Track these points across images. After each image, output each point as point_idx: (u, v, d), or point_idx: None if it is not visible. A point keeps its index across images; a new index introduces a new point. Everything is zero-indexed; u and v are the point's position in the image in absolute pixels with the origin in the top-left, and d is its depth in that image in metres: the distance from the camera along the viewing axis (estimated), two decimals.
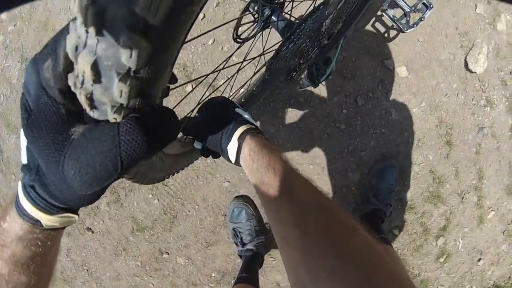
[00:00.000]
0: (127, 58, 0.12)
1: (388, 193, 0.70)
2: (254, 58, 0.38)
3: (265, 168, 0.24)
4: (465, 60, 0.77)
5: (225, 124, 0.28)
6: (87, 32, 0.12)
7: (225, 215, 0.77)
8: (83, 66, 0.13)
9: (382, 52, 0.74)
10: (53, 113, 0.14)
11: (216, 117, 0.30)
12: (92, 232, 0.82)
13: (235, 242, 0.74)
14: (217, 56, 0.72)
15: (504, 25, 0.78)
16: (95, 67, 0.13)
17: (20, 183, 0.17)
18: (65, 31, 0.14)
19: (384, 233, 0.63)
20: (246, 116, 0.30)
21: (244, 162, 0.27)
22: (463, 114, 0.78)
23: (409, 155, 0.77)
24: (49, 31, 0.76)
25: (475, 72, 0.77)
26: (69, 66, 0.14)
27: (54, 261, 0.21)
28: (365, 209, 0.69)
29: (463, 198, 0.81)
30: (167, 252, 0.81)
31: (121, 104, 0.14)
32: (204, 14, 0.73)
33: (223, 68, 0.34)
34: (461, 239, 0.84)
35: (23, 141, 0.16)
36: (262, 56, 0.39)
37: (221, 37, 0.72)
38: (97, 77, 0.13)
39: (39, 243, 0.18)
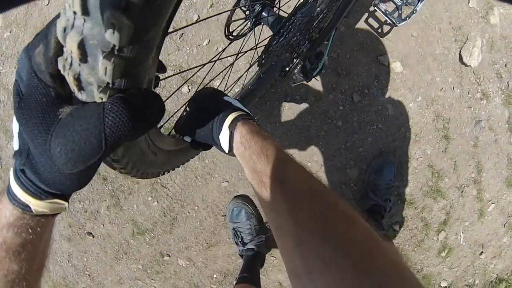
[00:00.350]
0: (110, 35, 0.13)
1: (387, 188, 0.70)
2: (245, 52, 0.38)
3: (258, 155, 0.23)
4: (460, 54, 0.78)
5: (215, 115, 0.27)
6: (74, 13, 0.13)
7: (225, 215, 0.76)
8: (70, 45, 0.13)
9: (376, 48, 0.74)
10: (43, 95, 0.15)
11: (205, 109, 0.29)
12: (93, 237, 0.82)
13: (235, 242, 0.73)
14: (212, 57, 0.72)
15: (497, 18, 0.78)
16: (82, 46, 0.13)
17: (11, 170, 0.17)
18: (55, 18, 0.14)
19: (384, 229, 0.63)
20: (237, 103, 0.29)
21: (237, 151, 0.26)
22: (460, 107, 0.79)
23: (407, 150, 0.77)
24: None
25: (470, 66, 0.78)
26: (59, 51, 0.15)
27: (46, 251, 0.20)
28: (364, 205, 0.69)
29: (462, 191, 0.81)
30: (168, 255, 0.80)
31: (107, 84, 0.15)
32: (199, 16, 0.73)
33: (210, 62, 0.34)
34: (462, 233, 0.84)
35: (15, 127, 0.16)
36: (255, 53, 0.39)
37: (216, 38, 0.73)
38: (83, 56, 0.14)
39: (30, 230, 0.17)
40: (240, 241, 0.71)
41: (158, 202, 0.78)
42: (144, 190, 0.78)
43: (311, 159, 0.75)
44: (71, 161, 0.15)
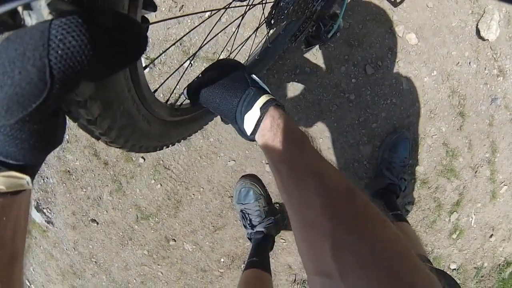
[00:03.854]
0: None
1: (402, 166, 0.67)
2: (254, 5, 0.34)
3: (291, 143, 0.22)
4: (477, 27, 0.73)
5: (242, 89, 0.25)
6: None
7: (232, 196, 0.74)
8: None
9: (390, 19, 0.70)
10: None
11: (231, 79, 0.25)
12: (97, 224, 0.80)
13: (243, 225, 0.71)
14: (215, 28, 0.68)
15: None
16: None
17: None
18: None
19: (399, 209, 0.60)
20: (265, 86, 0.26)
21: (264, 136, 0.24)
22: (476, 84, 0.75)
23: (421, 127, 0.73)
24: None
25: (488, 40, 0.73)
26: None
27: (17, 241, 0.15)
28: (379, 184, 0.66)
29: (476, 172, 0.79)
30: (174, 239, 0.78)
31: None
32: None
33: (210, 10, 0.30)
34: (474, 214, 0.82)
35: None
36: (262, 16, 0.34)
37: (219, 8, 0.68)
38: None
39: None
40: (248, 224, 0.69)
41: (161, 185, 0.75)
42: (147, 173, 0.75)
43: (323, 134, 0.72)
44: (3, 105, 0.10)
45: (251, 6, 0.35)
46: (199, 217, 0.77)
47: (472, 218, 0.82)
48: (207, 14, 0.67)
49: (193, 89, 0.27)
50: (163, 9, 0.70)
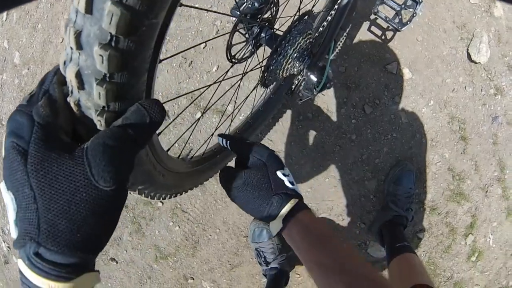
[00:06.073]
0: (100, 65, 0.15)
1: (407, 197, 0.69)
2: (247, 72, 0.40)
3: (318, 245, 0.25)
4: (467, 52, 0.77)
5: (264, 199, 0.26)
6: (71, 49, 0.16)
7: (247, 236, 0.77)
8: (70, 75, 0.16)
9: (383, 57, 0.74)
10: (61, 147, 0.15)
11: (255, 186, 0.27)
12: (116, 262, 0.83)
13: (258, 262, 0.73)
14: (223, 83, 0.74)
15: (501, 10, 0.77)
16: (79, 75, 0.16)
17: (20, 263, 0.15)
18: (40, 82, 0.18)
19: (406, 240, 0.61)
20: (289, 183, 0.27)
21: (291, 241, 0.26)
22: (474, 106, 0.77)
23: (425, 156, 0.75)
24: None
25: (480, 62, 0.76)
26: (63, 94, 0.17)
27: None
28: (386, 217, 0.68)
29: (486, 191, 0.79)
30: (192, 278, 0.81)
31: (103, 107, 0.17)
32: (206, 44, 0.75)
33: (215, 83, 0.34)
34: (491, 234, 0.80)
35: (11, 211, 0.15)
36: (260, 73, 0.39)
37: (224, 63, 0.75)
38: (81, 84, 0.16)
39: None
40: (263, 261, 0.71)
41: (179, 226, 0.79)
42: (165, 216, 0.79)
43: (329, 174, 0.75)
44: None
45: (246, 73, 0.40)
46: (216, 256, 0.79)
47: (489, 238, 0.80)
48: (214, 69, 0.74)
49: (226, 187, 0.28)
50: (174, 64, 0.77)
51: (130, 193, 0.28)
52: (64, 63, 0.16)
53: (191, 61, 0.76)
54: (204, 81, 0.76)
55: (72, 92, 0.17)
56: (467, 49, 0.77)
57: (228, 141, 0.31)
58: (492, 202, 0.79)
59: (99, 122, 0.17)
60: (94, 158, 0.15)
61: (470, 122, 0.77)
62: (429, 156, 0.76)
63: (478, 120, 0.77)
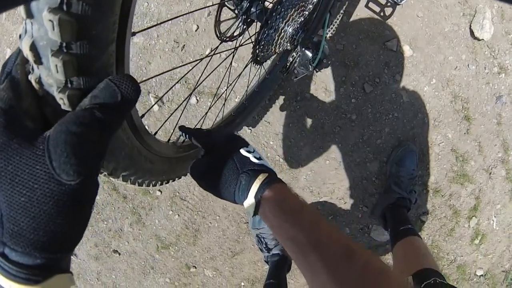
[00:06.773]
0: (51, 32, 0.13)
1: (410, 179, 0.67)
2: (237, 48, 0.37)
3: (288, 222, 0.24)
4: (470, 28, 0.74)
5: (234, 176, 0.25)
6: (23, 19, 0.14)
7: (247, 222, 0.76)
8: (25, 49, 0.14)
9: (382, 34, 0.72)
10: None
11: (223, 166, 0.26)
12: (119, 254, 0.83)
13: (260, 249, 0.73)
14: (215, 64, 0.72)
15: None
16: (34, 48, 0.14)
17: None
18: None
19: (410, 223, 0.59)
20: (255, 159, 0.26)
21: (265, 218, 0.26)
22: (477, 85, 0.75)
23: (427, 137, 0.73)
24: None
25: (483, 39, 0.73)
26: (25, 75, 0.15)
27: None
28: (389, 199, 0.67)
29: (490, 173, 0.77)
30: (194, 266, 0.81)
31: (65, 83, 0.15)
32: (198, 25, 0.73)
33: (202, 59, 0.33)
34: (495, 217, 0.79)
35: None
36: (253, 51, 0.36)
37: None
38: (37, 58, 0.14)
39: None
40: (264, 247, 0.70)
41: (179, 215, 0.79)
42: (164, 205, 0.79)
43: (329, 156, 0.73)
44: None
45: (236, 48, 0.37)
46: (217, 243, 0.79)
47: (493, 220, 0.79)
48: (207, 52, 0.72)
49: (197, 177, 0.28)
50: (166, 49, 0.75)
51: (116, 181, 0.25)
52: (20, 36, 0.14)
53: (184, 45, 0.73)
54: (198, 65, 0.74)
55: (32, 70, 0.15)
56: (470, 26, 0.74)
57: (187, 134, 0.30)
58: (496, 184, 0.78)
59: (62, 101, 0.15)
60: (55, 149, 0.13)
61: (473, 101, 0.75)
62: (431, 136, 0.74)
63: (481, 99, 0.75)
